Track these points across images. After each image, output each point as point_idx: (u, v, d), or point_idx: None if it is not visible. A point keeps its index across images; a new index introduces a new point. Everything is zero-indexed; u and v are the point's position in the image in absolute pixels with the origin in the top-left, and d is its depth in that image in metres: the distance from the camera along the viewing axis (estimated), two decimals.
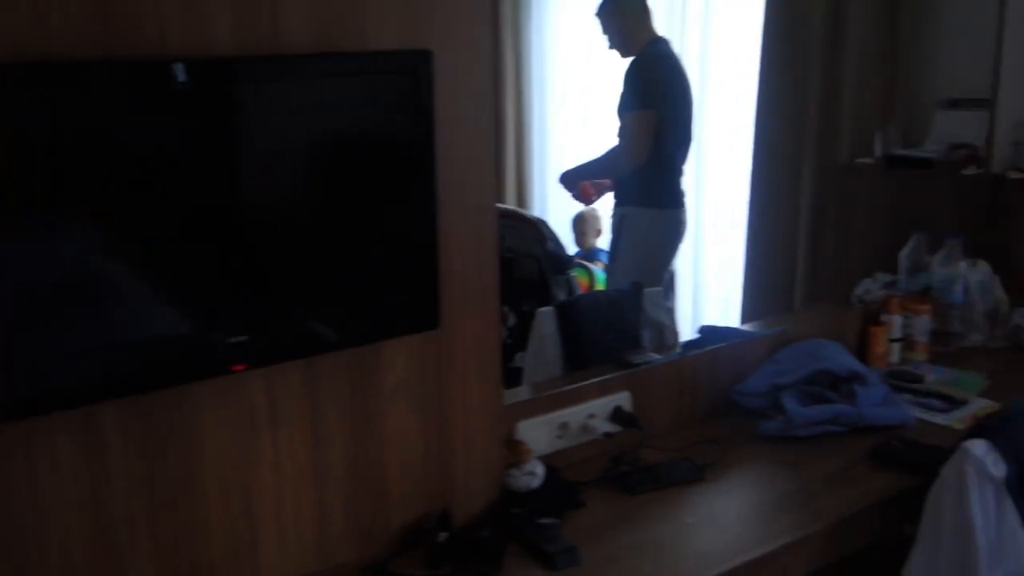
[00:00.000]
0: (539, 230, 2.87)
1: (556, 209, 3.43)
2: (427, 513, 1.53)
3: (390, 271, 1.33)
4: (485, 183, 1.49)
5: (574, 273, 3.01)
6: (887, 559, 1.70)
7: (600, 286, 3.11)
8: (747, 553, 1.49)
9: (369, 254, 1.32)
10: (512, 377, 2.12)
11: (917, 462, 1.75)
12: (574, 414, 1.78)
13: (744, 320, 2.89)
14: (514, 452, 1.63)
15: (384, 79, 1.26)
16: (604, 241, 3.29)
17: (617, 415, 1.82)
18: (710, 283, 3.28)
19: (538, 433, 1.73)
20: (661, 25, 2.92)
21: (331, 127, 1.25)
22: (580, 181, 3.09)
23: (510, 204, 3.52)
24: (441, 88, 1.35)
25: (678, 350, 2.24)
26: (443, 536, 1.49)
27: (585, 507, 1.63)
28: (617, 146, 2.87)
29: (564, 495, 1.63)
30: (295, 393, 1.36)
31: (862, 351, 2.30)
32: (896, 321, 2.32)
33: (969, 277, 2.44)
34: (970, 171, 2.61)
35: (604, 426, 1.81)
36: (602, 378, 1.85)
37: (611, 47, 2.84)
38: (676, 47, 2.89)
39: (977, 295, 2.44)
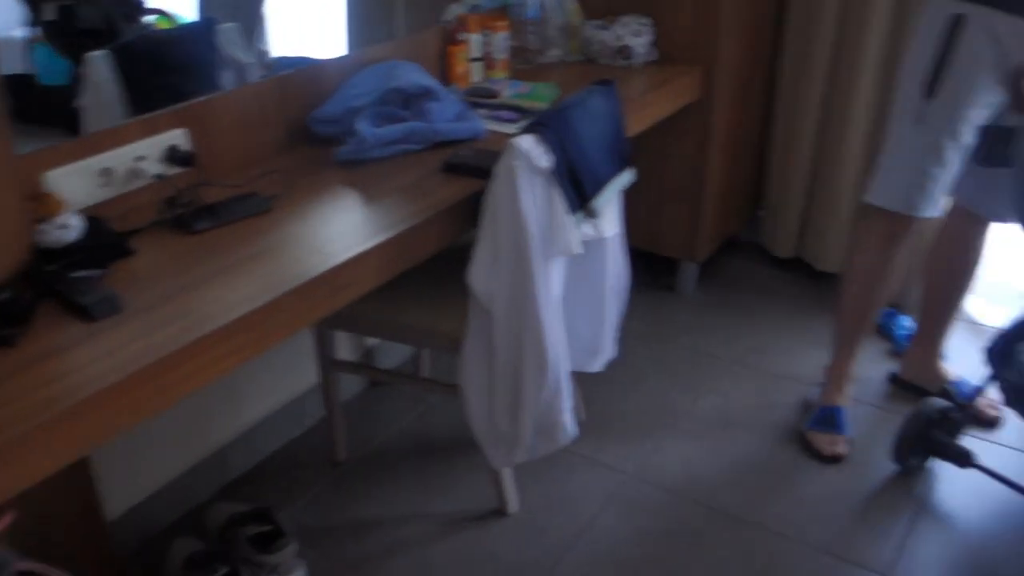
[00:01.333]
0: None
1: None
2: None
3: None
4: None
5: (152, 20, 2.68)
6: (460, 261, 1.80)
7: None
8: (313, 271, 1.47)
9: None
10: None
11: (482, 168, 1.80)
12: (118, 157, 1.61)
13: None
14: (41, 206, 1.45)
15: None
16: None
17: (172, 155, 1.68)
18: (308, 19, 3.08)
19: (75, 183, 1.54)
20: None
21: None
22: None
23: None
24: None
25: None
26: None
27: (135, 254, 1.51)
28: None
29: (108, 245, 1.49)
30: None
31: (444, 72, 2.31)
32: (474, 40, 2.33)
33: None
34: None
35: (157, 168, 1.66)
36: (147, 115, 1.67)
37: None
38: None
39: (551, 10, 2.52)
